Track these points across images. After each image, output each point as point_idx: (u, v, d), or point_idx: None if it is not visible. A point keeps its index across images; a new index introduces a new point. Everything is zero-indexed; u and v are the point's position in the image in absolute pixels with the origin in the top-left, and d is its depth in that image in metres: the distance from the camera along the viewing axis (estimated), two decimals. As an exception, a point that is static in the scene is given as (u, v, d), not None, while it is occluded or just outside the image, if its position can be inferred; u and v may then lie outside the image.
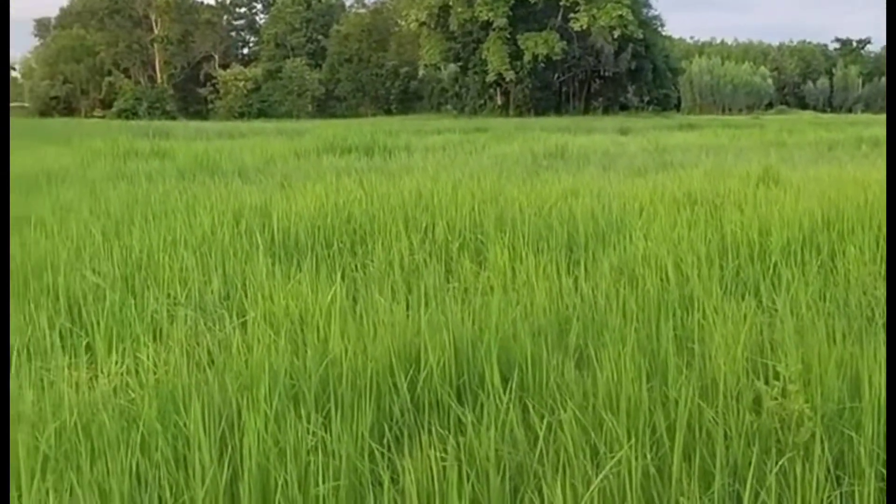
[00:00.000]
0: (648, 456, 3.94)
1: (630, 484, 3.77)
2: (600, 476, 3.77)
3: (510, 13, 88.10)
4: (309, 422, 4.28)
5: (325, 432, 4.24)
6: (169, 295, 7.08)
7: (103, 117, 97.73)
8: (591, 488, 3.70)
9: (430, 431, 4.31)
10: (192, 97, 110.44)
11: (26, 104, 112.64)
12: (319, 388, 4.81)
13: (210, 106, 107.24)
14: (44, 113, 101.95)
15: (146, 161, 21.25)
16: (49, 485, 3.74)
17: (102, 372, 5.47)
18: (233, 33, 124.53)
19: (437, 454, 3.94)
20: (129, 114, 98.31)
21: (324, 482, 3.82)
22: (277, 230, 9.50)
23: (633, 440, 3.91)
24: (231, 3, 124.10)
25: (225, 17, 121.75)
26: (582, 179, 14.23)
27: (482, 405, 4.54)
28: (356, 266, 8.28)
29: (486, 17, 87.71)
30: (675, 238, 8.55)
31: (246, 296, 7.17)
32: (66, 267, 7.73)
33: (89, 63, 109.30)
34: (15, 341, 5.86)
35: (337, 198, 11.20)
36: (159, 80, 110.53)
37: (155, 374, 5.27)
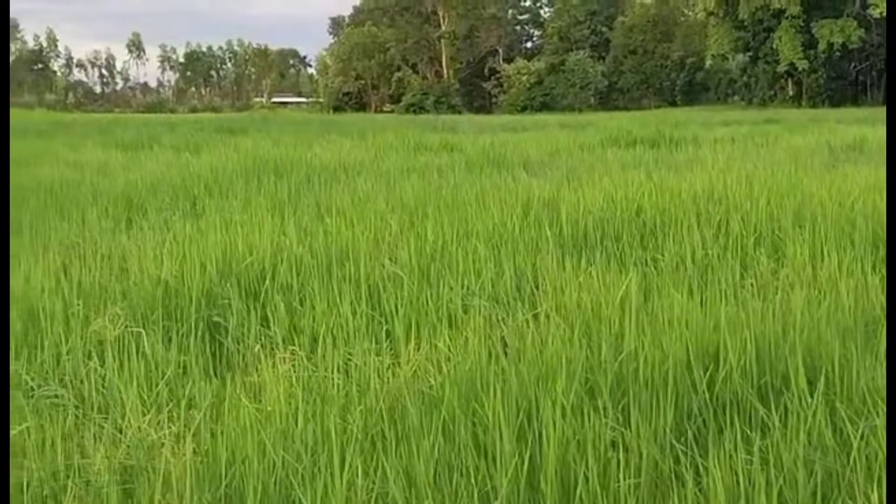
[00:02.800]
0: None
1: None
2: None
3: (804, 0, 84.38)
4: (606, 416, 4.25)
5: (624, 427, 4.19)
6: (463, 285, 7.22)
7: (392, 111, 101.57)
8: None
9: (732, 431, 4.18)
10: (476, 91, 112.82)
11: (321, 99, 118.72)
12: (615, 382, 4.77)
13: (494, 100, 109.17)
14: (337, 108, 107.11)
15: (435, 154, 21.85)
16: (357, 465, 3.88)
17: (402, 358, 5.65)
18: (517, 27, 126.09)
19: (742, 455, 3.81)
20: (417, 108, 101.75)
21: (624, 478, 3.78)
22: (566, 222, 9.51)
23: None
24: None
25: (510, 11, 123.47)
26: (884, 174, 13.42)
27: (786, 406, 4.36)
28: (646, 260, 8.17)
29: (778, 5, 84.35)
30: None
31: (537, 288, 7.22)
32: (366, 255, 8.04)
33: (380, 59, 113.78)
34: (306, 326, 6.17)
35: (625, 191, 11.08)
36: (445, 75, 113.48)
37: (451, 361, 5.39)
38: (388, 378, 5.15)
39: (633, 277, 6.52)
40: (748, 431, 4.18)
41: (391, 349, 5.91)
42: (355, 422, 4.32)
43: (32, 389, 5.26)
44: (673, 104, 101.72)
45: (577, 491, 3.76)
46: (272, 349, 5.91)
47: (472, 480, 3.83)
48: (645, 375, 4.77)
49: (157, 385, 5.27)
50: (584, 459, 3.88)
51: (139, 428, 4.49)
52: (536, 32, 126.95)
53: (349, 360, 5.56)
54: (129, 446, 4.29)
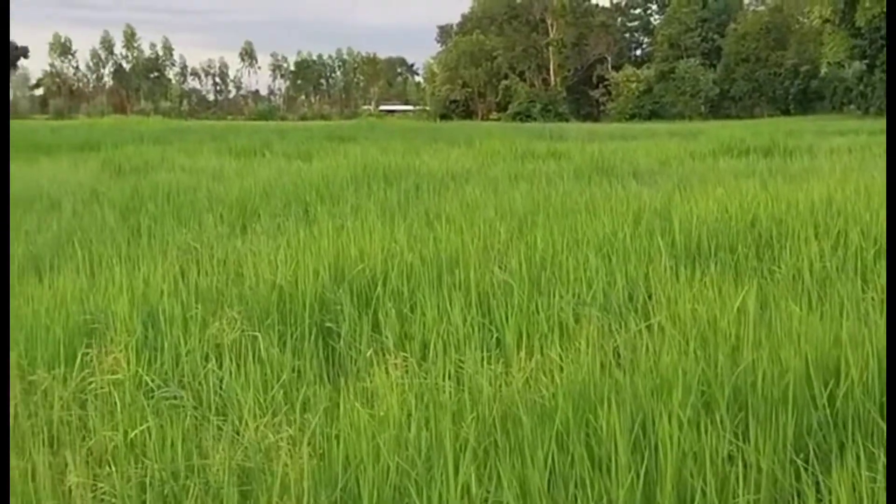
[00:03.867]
0: None
1: None
2: None
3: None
4: (724, 430, 4.18)
5: (742, 441, 4.12)
6: (574, 294, 7.17)
7: (498, 119, 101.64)
8: None
9: (854, 447, 4.07)
10: (584, 99, 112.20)
11: (428, 107, 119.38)
12: (732, 395, 4.69)
13: (601, 108, 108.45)
14: (444, 116, 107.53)
15: (543, 162, 21.78)
16: (471, 472, 3.88)
17: (513, 366, 5.63)
18: (626, 35, 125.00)
19: (865, 473, 3.71)
20: (524, 116, 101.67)
21: (743, 493, 3.70)
22: (679, 232, 9.38)
23: None
24: (626, 4, 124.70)
25: (619, 19, 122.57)
26: None
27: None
28: (762, 271, 8.01)
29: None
30: None
31: (650, 298, 7.14)
32: (475, 263, 8.05)
33: (487, 67, 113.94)
34: (417, 333, 6.20)
35: (739, 201, 10.88)
36: (553, 83, 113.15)
37: (563, 371, 5.35)
38: (499, 387, 5.13)
39: (750, 289, 6.39)
40: (871, 448, 4.07)
41: (502, 357, 5.90)
42: (468, 429, 4.32)
43: (152, 391, 5.38)
44: (786, 113, 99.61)
45: (695, 505, 3.70)
46: (383, 355, 5.95)
47: (588, 492, 3.80)
48: (763, 389, 4.67)
49: (272, 388, 5.36)
50: (702, 473, 3.82)
51: (256, 430, 4.56)
52: (646, 40, 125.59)
53: (460, 367, 5.57)
54: (246, 448, 4.36)
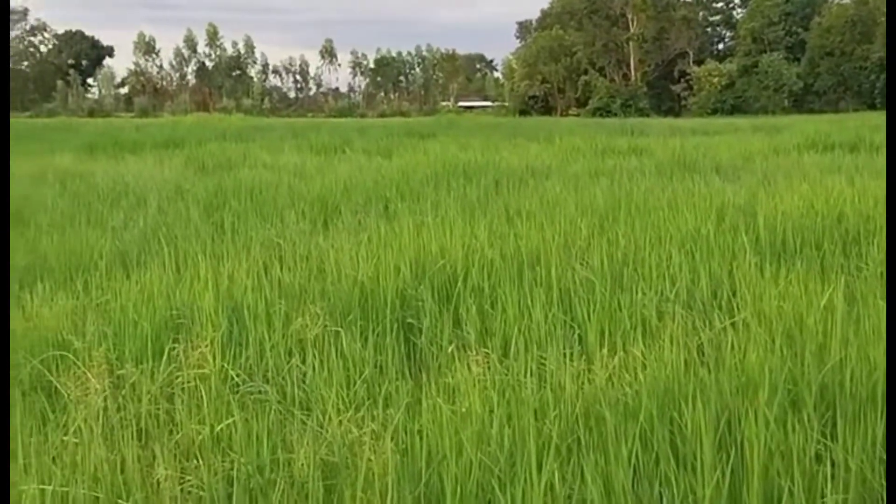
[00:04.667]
0: None
1: None
2: None
3: None
4: (811, 429, 4.11)
5: (830, 440, 4.05)
6: (657, 291, 7.11)
7: (578, 115, 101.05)
8: None
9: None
10: (665, 94, 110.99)
11: (506, 103, 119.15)
12: (819, 394, 4.61)
13: (683, 103, 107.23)
14: (523, 112, 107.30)
15: (624, 158, 21.63)
16: (554, 469, 3.87)
17: (595, 364, 5.59)
18: (708, 29, 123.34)
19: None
20: (604, 111, 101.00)
21: (831, 493, 3.64)
22: (763, 228, 9.25)
23: None
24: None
25: (701, 13, 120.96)
26: None
27: None
28: (849, 268, 7.86)
29: None
30: None
31: (734, 295, 7.05)
32: (556, 259, 8.02)
33: (566, 63, 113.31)
34: (498, 329, 6.19)
35: (825, 197, 10.70)
36: (633, 78, 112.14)
37: (646, 369, 5.31)
38: (581, 384, 5.11)
39: (837, 286, 6.27)
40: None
41: (584, 355, 5.87)
42: (551, 426, 4.30)
43: (237, 385, 5.46)
44: (872, 107, 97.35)
45: (782, 504, 3.65)
46: (464, 351, 5.95)
47: (673, 490, 3.77)
48: (851, 387, 4.59)
49: (355, 383, 5.40)
50: (789, 472, 3.76)
51: (340, 425, 4.59)
52: (728, 34, 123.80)
53: (542, 364, 5.55)
54: (330, 443, 4.39)
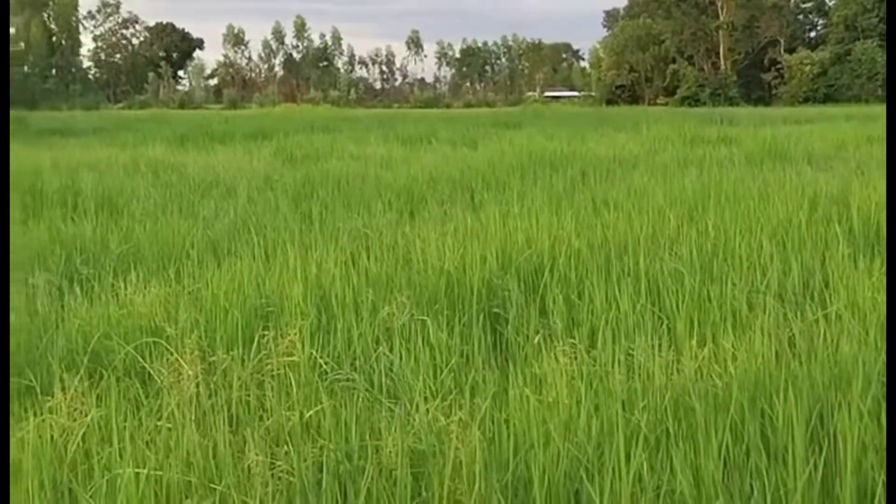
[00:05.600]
0: None
1: None
2: None
3: None
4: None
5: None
6: (748, 282, 7.00)
7: (666, 104, 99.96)
8: None
9: None
10: (754, 83, 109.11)
11: (593, 93, 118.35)
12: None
13: (773, 91, 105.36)
14: (610, 101, 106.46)
15: (713, 147, 21.34)
16: (643, 460, 3.84)
17: (684, 355, 5.53)
18: (800, 16, 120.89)
19: None
20: (692, 101, 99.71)
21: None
22: (857, 219, 9.06)
23: None
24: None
25: (792, 0, 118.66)
26: None
27: None
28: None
29: None
30: None
31: (826, 286, 6.92)
32: (644, 250, 7.95)
33: (654, 51, 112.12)
34: (585, 320, 6.16)
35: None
36: (722, 67, 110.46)
37: (736, 360, 5.24)
38: (670, 375, 5.06)
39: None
40: None
41: (672, 346, 5.81)
42: (639, 417, 4.27)
43: (326, 373, 5.52)
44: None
45: (876, 499, 3.57)
46: (551, 341, 5.93)
47: (764, 482, 3.72)
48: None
49: (441, 372, 5.42)
50: (884, 466, 3.69)
51: (427, 413, 4.61)
52: (821, 21, 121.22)
53: (629, 355, 5.52)
54: (417, 431, 4.42)
